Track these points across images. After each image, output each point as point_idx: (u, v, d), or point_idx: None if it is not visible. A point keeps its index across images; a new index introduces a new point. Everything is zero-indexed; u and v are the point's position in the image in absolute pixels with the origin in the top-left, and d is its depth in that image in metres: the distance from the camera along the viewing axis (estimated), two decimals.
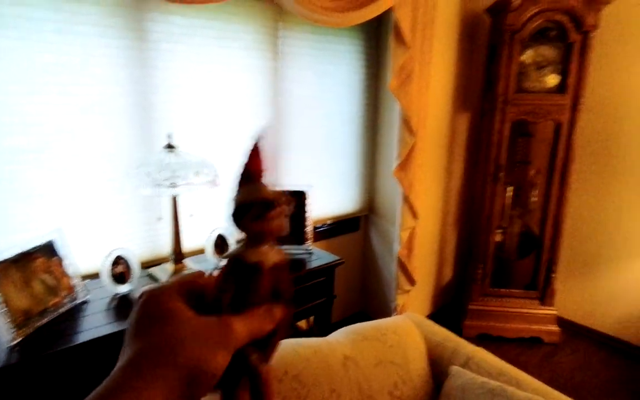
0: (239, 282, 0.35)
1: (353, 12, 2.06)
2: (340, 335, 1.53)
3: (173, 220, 1.80)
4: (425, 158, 2.67)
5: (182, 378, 0.29)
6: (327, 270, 2.10)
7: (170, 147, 1.72)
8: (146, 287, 0.35)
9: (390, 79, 2.30)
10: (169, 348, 0.29)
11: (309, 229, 2.15)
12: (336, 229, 2.83)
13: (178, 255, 1.82)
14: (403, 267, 2.68)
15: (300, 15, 1.91)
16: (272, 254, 0.36)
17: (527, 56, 2.59)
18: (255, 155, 0.37)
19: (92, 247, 1.79)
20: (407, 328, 1.63)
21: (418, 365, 1.55)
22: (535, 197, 2.79)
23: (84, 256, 1.75)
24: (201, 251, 2.08)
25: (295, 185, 2.16)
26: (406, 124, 2.42)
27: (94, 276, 1.75)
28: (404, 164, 2.50)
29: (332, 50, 2.50)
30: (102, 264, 1.64)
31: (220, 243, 1.97)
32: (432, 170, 2.91)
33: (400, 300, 2.75)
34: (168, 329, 0.30)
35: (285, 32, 2.24)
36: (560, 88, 2.58)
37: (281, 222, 0.36)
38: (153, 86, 1.86)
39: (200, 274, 0.37)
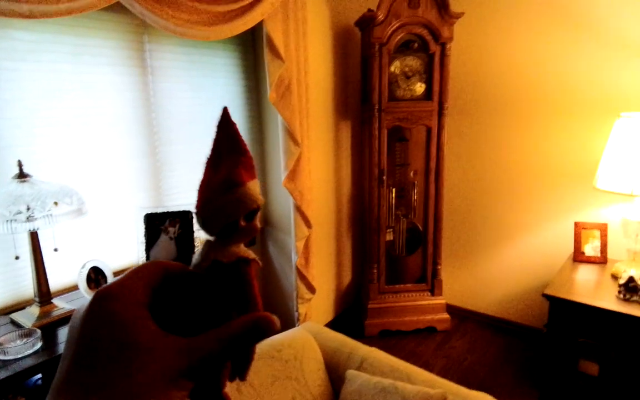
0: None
1: (221, 25, 2.02)
2: None
3: (34, 258, 1.59)
4: (313, 167, 2.73)
5: None
6: None
7: (22, 176, 1.51)
8: (102, 288, 0.26)
9: (270, 92, 2.30)
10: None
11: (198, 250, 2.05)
12: None
13: (44, 295, 1.63)
14: (302, 276, 2.69)
15: (162, 29, 1.82)
16: None
17: (396, 67, 2.80)
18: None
19: None
20: (303, 340, 1.62)
21: (315, 375, 1.55)
22: (415, 196, 3.02)
23: None
24: (73, 288, 1.87)
25: (179, 206, 2.04)
26: (290, 135, 2.45)
27: None
28: (292, 175, 2.51)
29: (207, 63, 2.42)
30: None
31: (95, 277, 1.77)
32: (322, 178, 2.98)
33: (302, 309, 2.75)
34: (104, 372, 0.23)
35: (152, 46, 2.12)
36: (427, 95, 2.84)
37: None
38: None
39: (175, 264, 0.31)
